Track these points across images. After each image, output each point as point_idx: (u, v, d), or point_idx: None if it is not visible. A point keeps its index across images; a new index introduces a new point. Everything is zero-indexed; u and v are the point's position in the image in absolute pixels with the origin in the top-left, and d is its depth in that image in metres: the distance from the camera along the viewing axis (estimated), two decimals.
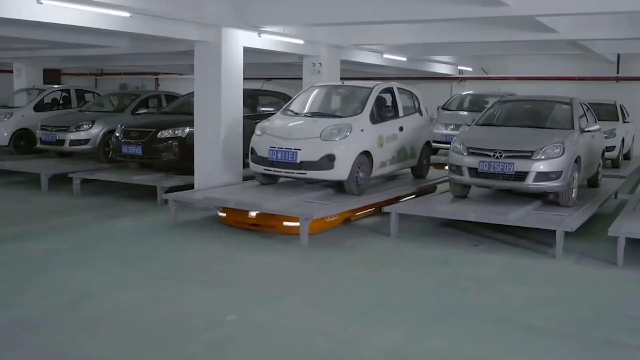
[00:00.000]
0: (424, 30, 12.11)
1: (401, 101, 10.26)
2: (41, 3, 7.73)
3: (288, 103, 10.14)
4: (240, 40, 10.41)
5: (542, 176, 8.25)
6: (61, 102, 15.62)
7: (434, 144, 14.77)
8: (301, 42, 11.84)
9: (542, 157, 8.28)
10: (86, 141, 12.53)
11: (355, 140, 8.72)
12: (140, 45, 13.06)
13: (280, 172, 8.87)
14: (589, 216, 8.45)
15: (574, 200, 8.75)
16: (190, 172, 10.34)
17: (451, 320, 5.33)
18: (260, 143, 9.00)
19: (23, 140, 14.20)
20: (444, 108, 15.90)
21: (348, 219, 8.94)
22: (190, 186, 10.03)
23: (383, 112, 9.59)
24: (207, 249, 7.65)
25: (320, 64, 12.89)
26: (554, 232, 7.45)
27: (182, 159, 10.68)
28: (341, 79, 12.40)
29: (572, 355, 4.70)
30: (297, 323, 5.17)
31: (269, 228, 8.18)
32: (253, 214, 8.28)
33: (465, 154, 8.67)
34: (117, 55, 15.66)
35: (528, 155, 8.31)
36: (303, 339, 4.85)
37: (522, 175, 8.28)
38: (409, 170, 10.90)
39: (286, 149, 8.66)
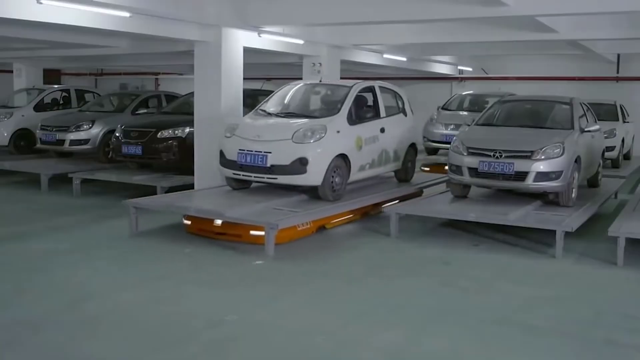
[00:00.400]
0: (424, 30, 12.12)
1: (383, 101, 9.77)
2: (41, 3, 7.73)
3: (261, 103, 9.62)
4: (240, 40, 10.42)
5: (542, 176, 8.26)
6: (61, 102, 15.62)
7: (434, 144, 14.91)
8: (301, 42, 11.85)
9: (542, 157, 8.28)
10: (86, 141, 12.53)
11: (330, 142, 8.20)
12: (140, 45, 13.06)
13: (250, 176, 8.34)
14: (589, 216, 8.45)
15: (574, 200, 8.75)
16: (190, 172, 10.34)
17: (451, 320, 5.33)
18: (229, 145, 8.48)
19: (23, 140, 14.20)
20: (444, 108, 15.90)
21: (323, 226, 8.38)
22: (190, 186, 10.03)
23: (362, 112, 9.07)
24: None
25: (320, 64, 12.90)
26: (554, 232, 7.45)
27: (182, 159, 10.68)
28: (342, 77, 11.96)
29: (572, 355, 4.70)
30: (297, 323, 5.17)
31: (235, 237, 7.56)
32: (218, 222, 7.64)
33: (465, 154, 8.67)
34: (117, 55, 15.66)
35: (528, 155, 8.31)
36: (303, 339, 4.85)
37: (522, 175, 8.28)
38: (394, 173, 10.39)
39: (256, 151, 8.14)
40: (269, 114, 9.01)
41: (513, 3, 8.33)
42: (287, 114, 9.00)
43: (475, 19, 10.55)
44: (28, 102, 15.02)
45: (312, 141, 8.07)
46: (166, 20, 9.31)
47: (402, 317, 5.38)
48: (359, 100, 9.18)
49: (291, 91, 9.67)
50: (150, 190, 9.92)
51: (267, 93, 15.02)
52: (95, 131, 12.56)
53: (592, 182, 10.52)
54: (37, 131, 13.07)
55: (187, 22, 9.57)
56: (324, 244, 7.86)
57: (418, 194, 10.33)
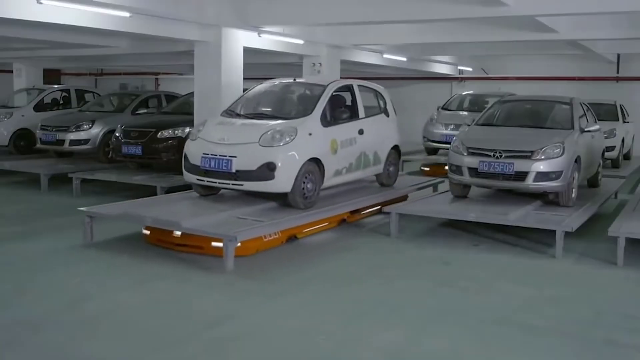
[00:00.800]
0: (424, 30, 12.14)
1: (363, 101, 9.24)
2: (41, 3, 7.75)
3: (232, 103, 9.16)
4: (240, 40, 10.43)
5: (542, 176, 8.26)
6: (61, 102, 15.62)
7: (434, 144, 14.92)
8: (301, 42, 11.86)
9: (542, 157, 8.28)
10: (86, 141, 12.53)
11: (301, 145, 7.67)
12: (140, 45, 13.08)
13: (214, 182, 7.80)
14: (589, 216, 8.45)
15: (574, 200, 8.76)
16: None
17: (451, 320, 5.33)
18: (193, 149, 7.98)
19: (23, 140, 14.20)
20: (444, 108, 15.92)
21: (294, 236, 7.77)
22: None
23: (338, 113, 8.47)
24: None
25: (320, 64, 12.92)
26: (554, 232, 7.45)
27: (182, 159, 10.67)
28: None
29: (572, 355, 4.70)
30: (296, 323, 5.17)
31: (197, 249, 6.98)
32: (178, 232, 7.02)
33: (465, 154, 8.67)
34: (117, 55, 15.69)
35: (528, 155, 8.31)
36: (303, 339, 4.85)
37: (522, 175, 8.28)
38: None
39: (220, 156, 7.62)
40: (238, 115, 8.49)
41: (513, 3, 8.34)
42: (256, 115, 8.48)
43: (475, 19, 10.56)
44: (28, 102, 15.03)
45: (280, 144, 7.55)
46: (166, 20, 9.32)
47: (402, 317, 5.38)
48: (335, 100, 8.69)
49: (263, 91, 9.20)
50: (151, 191, 9.92)
51: None
52: (95, 131, 12.56)
53: (592, 182, 10.53)
54: (37, 131, 13.07)
55: (187, 22, 9.59)
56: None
57: (402, 198, 9.91)
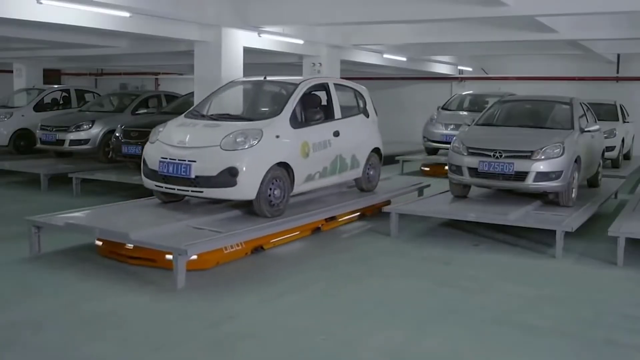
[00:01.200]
0: (424, 30, 12.14)
1: (340, 100, 8.76)
2: (41, 3, 7.75)
3: (197, 103, 8.66)
4: (240, 40, 10.43)
5: (542, 176, 8.26)
6: (61, 102, 15.63)
7: (434, 144, 14.92)
8: (301, 42, 11.87)
9: (542, 157, 8.29)
10: (86, 141, 12.53)
11: (267, 149, 7.17)
12: (140, 45, 13.09)
13: (173, 189, 7.27)
14: (589, 216, 8.45)
15: (574, 200, 8.76)
16: None
17: (451, 320, 5.33)
18: (152, 152, 7.48)
19: (23, 140, 14.21)
20: (444, 108, 15.92)
21: (260, 247, 7.22)
22: None
23: (311, 113, 7.96)
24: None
25: (320, 64, 12.92)
26: (554, 232, 7.45)
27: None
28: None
29: (572, 355, 4.70)
30: (296, 323, 5.17)
31: (150, 262, 6.44)
32: (131, 244, 6.48)
33: (465, 154, 8.67)
34: (117, 55, 15.70)
35: (528, 155, 8.31)
36: (303, 339, 4.85)
37: (522, 175, 8.28)
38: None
39: (179, 160, 7.09)
40: (202, 116, 7.97)
41: (513, 3, 8.34)
42: (222, 116, 7.93)
43: (475, 19, 10.57)
44: (28, 102, 15.03)
45: (244, 148, 7.02)
46: (166, 20, 9.33)
47: (402, 317, 5.38)
48: (308, 100, 8.17)
49: (232, 90, 8.74)
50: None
51: None
52: (95, 131, 12.56)
53: (592, 182, 10.53)
54: (37, 131, 13.08)
55: (187, 22, 9.59)
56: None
57: (385, 204, 9.35)
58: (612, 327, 5.24)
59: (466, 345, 4.80)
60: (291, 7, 9.79)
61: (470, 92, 17.42)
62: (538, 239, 8.10)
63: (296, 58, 13.54)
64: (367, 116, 9.39)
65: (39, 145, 13.14)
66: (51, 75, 22.44)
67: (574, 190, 8.76)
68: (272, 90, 8.65)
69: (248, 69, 11.05)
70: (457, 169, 8.76)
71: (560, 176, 8.29)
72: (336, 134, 8.33)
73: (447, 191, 9.43)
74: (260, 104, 8.62)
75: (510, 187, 8.68)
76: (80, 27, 8.89)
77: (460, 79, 21.73)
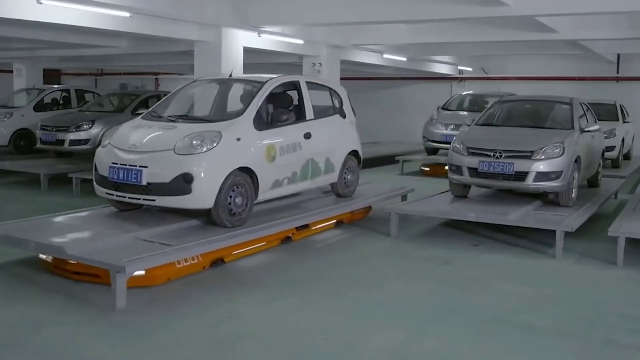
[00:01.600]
0: (424, 30, 12.15)
1: (314, 100, 8.24)
2: (41, 3, 7.75)
3: (157, 103, 8.13)
4: (240, 40, 10.43)
5: (542, 176, 8.26)
6: (61, 102, 15.63)
7: (434, 144, 14.93)
8: (301, 42, 11.86)
9: (542, 157, 8.29)
10: (86, 141, 12.53)
11: (226, 153, 6.62)
12: (140, 45, 13.09)
13: (124, 197, 6.67)
14: (589, 216, 8.45)
15: (574, 200, 8.76)
16: None
17: (451, 320, 5.33)
18: (102, 157, 6.87)
19: (23, 140, 14.21)
20: (444, 108, 15.93)
21: (220, 259, 6.63)
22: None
23: (278, 114, 7.44)
24: None
25: (320, 64, 12.92)
26: (554, 232, 7.45)
27: None
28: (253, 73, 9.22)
29: (572, 355, 4.70)
30: (296, 323, 5.17)
31: (94, 278, 5.82)
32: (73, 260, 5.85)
33: (465, 154, 8.67)
34: (117, 55, 15.71)
35: (528, 155, 8.31)
36: (303, 339, 4.85)
37: (522, 175, 8.29)
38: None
39: (130, 165, 6.50)
40: (160, 118, 7.39)
41: (513, 3, 8.34)
42: (180, 117, 7.40)
43: (475, 19, 10.57)
44: (28, 102, 15.03)
45: (200, 152, 6.47)
46: (166, 20, 9.33)
47: (402, 317, 5.38)
48: (275, 99, 7.71)
49: (195, 90, 8.21)
50: None
51: None
52: (95, 131, 12.55)
53: (592, 182, 10.53)
54: (37, 131, 13.08)
55: (187, 22, 9.59)
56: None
57: (366, 210, 9.10)
58: (612, 327, 5.24)
59: (466, 345, 4.80)
60: (291, 7, 9.79)
61: (470, 92, 17.42)
62: (538, 239, 8.10)
63: (296, 58, 13.54)
64: (344, 117, 8.82)
65: (39, 145, 13.15)
66: (51, 75, 22.45)
67: (574, 190, 8.76)
68: (237, 90, 8.02)
69: (248, 69, 11.05)
70: (457, 169, 8.76)
71: (560, 176, 8.29)
72: (307, 136, 7.80)
73: (447, 191, 9.43)
74: (223, 104, 8.03)
75: (510, 187, 8.69)
76: (80, 27, 8.89)
77: (460, 79, 21.74)
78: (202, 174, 6.41)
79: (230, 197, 6.67)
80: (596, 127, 9.85)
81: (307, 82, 8.22)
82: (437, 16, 9.34)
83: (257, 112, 7.15)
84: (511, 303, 5.80)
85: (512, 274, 6.81)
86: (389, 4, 9.29)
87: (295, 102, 8.11)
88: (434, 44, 14.20)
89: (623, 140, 14.65)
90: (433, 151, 15.15)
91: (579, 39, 12.43)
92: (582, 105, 10.10)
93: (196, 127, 6.83)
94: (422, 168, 14.92)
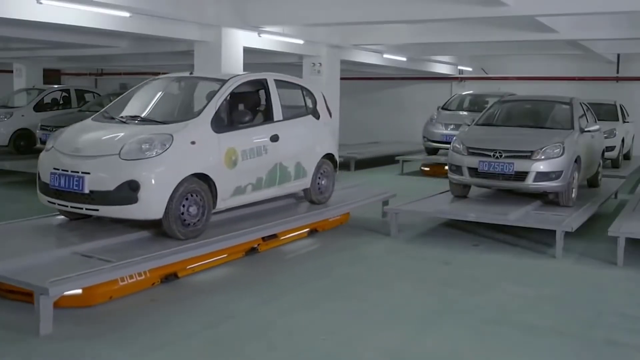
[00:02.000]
0: (424, 30, 12.14)
1: (283, 99, 7.71)
2: (41, 3, 7.75)
3: (110, 103, 7.77)
4: (240, 40, 10.43)
5: (542, 176, 8.26)
6: (61, 102, 15.64)
7: (434, 144, 14.93)
8: (301, 42, 11.86)
9: (542, 157, 8.29)
10: None
11: (179, 157, 6.07)
12: (140, 45, 13.09)
13: (66, 206, 6.12)
14: (589, 216, 8.45)
15: (574, 200, 8.76)
16: None
17: (451, 320, 5.33)
18: (45, 162, 6.33)
19: (23, 140, 14.22)
20: (444, 108, 15.93)
21: (173, 274, 6.02)
22: None
23: (239, 115, 6.94)
24: None
25: (320, 64, 12.92)
26: (554, 232, 7.45)
27: None
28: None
29: (572, 355, 4.70)
30: (297, 323, 5.17)
31: (26, 298, 5.09)
32: None
33: (465, 154, 8.68)
34: (117, 55, 15.72)
35: (528, 155, 8.32)
36: (303, 339, 4.85)
37: (522, 175, 8.29)
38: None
39: (72, 172, 5.95)
40: (111, 119, 6.87)
41: (513, 3, 8.34)
42: (133, 118, 6.83)
43: (475, 19, 10.57)
44: (28, 102, 15.04)
45: (148, 156, 5.92)
46: (166, 20, 9.32)
47: (402, 317, 5.38)
48: (238, 99, 7.31)
49: (151, 88, 7.61)
50: None
51: None
52: None
53: (592, 182, 10.53)
54: (37, 131, 13.08)
55: (187, 22, 9.59)
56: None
57: (343, 218, 8.61)
58: (612, 327, 5.24)
59: (466, 345, 4.80)
60: (291, 7, 9.79)
61: (470, 92, 17.43)
62: (538, 239, 8.10)
63: (296, 58, 13.54)
64: (318, 117, 8.25)
65: (39, 145, 13.15)
66: (51, 75, 22.44)
67: (574, 190, 8.76)
68: (198, 88, 7.49)
69: (248, 68, 11.03)
70: (457, 169, 8.77)
71: (560, 176, 8.29)
72: (275, 138, 7.26)
73: (447, 191, 9.43)
74: (180, 104, 7.42)
75: (510, 187, 8.69)
76: (80, 27, 8.89)
77: (460, 79, 21.73)
78: (150, 181, 5.87)
79: (183, 206, 6.11)
80: (596, 127, 9.86)
81: (275, 81, 7.64)
82: (437, 16, 9.34)
83: (217, 112, 6.60)
84: (511, 303, 5.80)
85: (512, 274, 6.81)
86: (389, 4, 9.29)
87: (260, 101, 7.68)
88: (434, 44, 14.20)
89: (623, 140, 14.66)
90: (433, 151, 15.16)
91: (579, 39, 12.43)
92: (582, 105, 10.10)
93: (146, 130, 6.29)
94: (422, 168, 14.92)
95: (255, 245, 7.02)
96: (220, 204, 6.60)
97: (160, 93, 7.50)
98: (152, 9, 8.65)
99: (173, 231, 6.10)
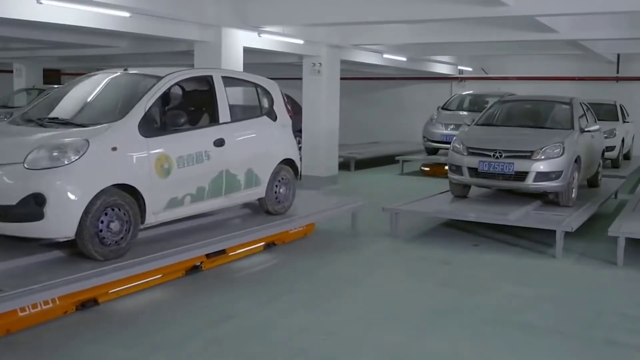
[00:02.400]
0: (424, 30, 12.12)
1: (233, 99, 7.01)
2: (41, 3, 7.73)
3: (32, 104, 7.05)
4: (240, 40, 10.41)
5: (542, 176, 8.27)
6: None
7: (434, 144, 14.93)
8: (301, 42, 11.84)
9: (542, 157, 8.29)
10: None
11: (95, 166, 5.31)
12: (140, 45, 13.07)
13: None
14: (589, 216, 8.45)
15: (574, 200, 8.76)
16: None
17: (451, 320, 5.33)
18: None
19: None
20: (444, 108, 15.93)
21: (92, 300, 5.26)
22: None
23: (173, 116, 6.03)
24: None
25: (320, 64, 12.90)
26: (554, 232, 7.46)
27: None
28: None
29: (572, 355, 4.70)
30: (297, 323, 5.17)
31: None
32: None
33: (465, 154, 8.68)
34: (117, 55, 15.68)
35: (528, 155, 8.32)
36: (303, 339, 4.85)
37: (522, 175, 8.29)
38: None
39: None
40: (29, 121, 6.06)
41: (513, 3, 8.33)
42: (52, 120, 6.01)
43: (475, 19, 10.55)
44: (28, 102, 15.02)
45: (59, 165, 5.14)
46: (166, 21, 9.31)
47: (402, 317, 5.38)
48: (177, 99, 6.66)
49: (81, 87, 6.78)
50: None
51: None
52: None
53: (592, 182, 10.53)
54: None
55: (187, 22, 9.57)
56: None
57: (306, 229, 7.90)
58: (612, 327, 5.24)
59: (466, 345, 4.80)
60: (291, 7, 9.77)
61: (470, 92, 17.43)
62: (538, 239, 8.10)
63: (296, 58, 13.51)
64: (274, 119, 7.49)
65: None
66: (51, 75, 22.40)
67: (574, 190, 8.76)
68: (128, 87, 6.48)
69: (248, 68, 11.03)
70: (457, 169, 8.77)
71: (560, 176, 8.29)
72: (219, 143, 6.50)
73: (447, 191, 9.43)
74: (106, 104, 6.39)
75: (510, 187, 8.69)
76: (80, 27, 8.87)
77: (460, 79, 21.71)
78: (58, 195, 5.09)
79: (102, 222, 5.35)
80: (596, 127, 9.86)
81: (223, 78, 6.85)
82: (437, 16, 9.32)
83: (146, 114, 5.81)
84: (511, 303, 5.80)
85: (512, 274, 6.81)
86: (389, 4, 9.28)
87: (202, 101, 6.94)
88: (434, 44, 14.18)
89: (623, 140, 14.66)
90: (433, 151, 15.16)
91: (579, 39, 12.41)
92: (582, 105, 10.10)
93: (62, 134, 5.52)
94: (422, 168, 14.92)
95: (198, 264, 6.27)
96: (151, 218, 5.83)
97: (89, 92, 6.56)
98: (152, 9, 8.63)
99: (89, 251, 5.33)
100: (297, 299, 5.81)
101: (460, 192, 9.15)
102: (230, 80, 7.01)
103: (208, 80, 6.77)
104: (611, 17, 10.68)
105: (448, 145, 9.55)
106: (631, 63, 18.83)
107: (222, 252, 6.53)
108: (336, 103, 13.33)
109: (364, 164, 15.63)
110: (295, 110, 14.39)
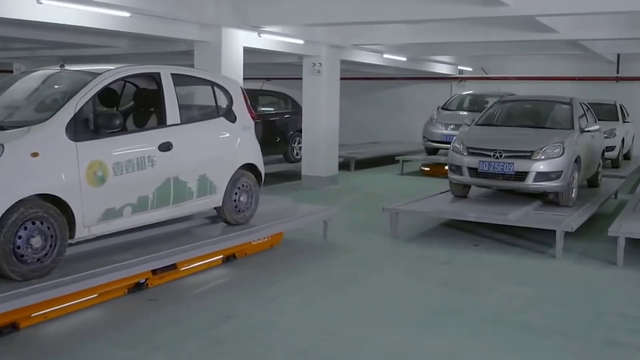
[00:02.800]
0: (424, 30, 12.13)
1: (184, 98, 6.46)
2: (41, 3, 7.73)
3: None
4: (240, 40, 10.42)
5: (542, 176, 8.27)
6: None
7: (434, 144, 14.93)
8: (301, 42, 11.84)
9: (542, 157, 8.29)
10: None
11: (11, 175, 4.74)
12: (140, 45, 13.07)
13: None
14: (589, 216, 8.45)
15: (574, 200, 8.76)
16: None
17: (451, 320, 5.34)
18: None
19: None
20: (444, 108, 15.93)
21: (10, 325, 4.68)
22: None
23: (107, 118, 5.44)
24: None
25: (320, 64, 12.90)
26: (554, 232, 7.46)
27: None
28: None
29: (572, 355, 4.70)
30: (297, 323, 5.17)
31: None
32: None
33: (465, 154, 8.68)
34: (117, 55, 15.66)
35: (528, 155, 8.32)
36: (303, 339, 4.85)
37: (522, 175, 8.29)
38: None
39: None
40: None
41: (513, 3, 8.33)
42: None
43: (475, 19, 10.55)
44: None
45: None
46: (166, 21, 9.31)
47: (402, 316, 5.38)
48: (116, 98, 6.25)
49: (15, 84, 6.23)
50: None
51: (267, 93, 15.09)
52: None
53: (592, 182, 10.53)
54: None
55: (187, 22, 9.57)
56: None
57: (272, 241, 7.25)
58: (612, 327, 5.25)
59: (466, 345, 4.80)
60: (291, 7, 9.77)
61: (470, 92, 17.43)
62: (538, 239, 8.10)
63: (296, 58, 13.52)
64: (233, 120, 6.83)
65: None
66: None
67: (574, 190, 8.76)
68: (62, 85, 5.95)
69: (248, 68, 11.03)
70: (457, 169, 8.77)
71: (560, 176, 8.30)
72: (165, 147, 5.89)
73: (447, 191, 9.43)
74: (35, 104, 5.88)
75: (510, 187, 8.69)
76: (80, 27, 8.86)
77: (460, 79, 21.71)
78: None
79: (20, 237, 4.76)
80: (596, 127, 9.86)
81: (173, 75, 6.21)
82: (437, 16, 9.32)
83: (76, 115, 5.18)
84: (511, 303, 5.80)
85: (512, 274, 6.81)
86: (389, 4, 9.28)
87: (149, 100, 6.41)
88: (434, 44, 14.17)
89: (623, 140, 14.66)
90: (433, 151, 15.16)
91: (579, 39, 12.41)
92: (582, 105, 10.10)
93: None
94: (422, 168, 14.93)
95: (142, 280, 5.72)
96: (83, 232, 5.26)
97: (21, 92, 6.07)
98: (152, 9, 8.63)
99: (4, 271, 4.71)
100: (297, 298, 5.81)
101: (460, 192, 9.15)
102: (181, 78, 6.39)
103: (155, 78, 6.14)
104: (611, 17, 10.68)
105: (448, 145, 9.55)
106: (631, 63, 18.83)
107: (173, 266, 5.94)
108: (336, 103, 13.33)
109: (364, 164, 15.63)
110: (295, 110, 14.48)
